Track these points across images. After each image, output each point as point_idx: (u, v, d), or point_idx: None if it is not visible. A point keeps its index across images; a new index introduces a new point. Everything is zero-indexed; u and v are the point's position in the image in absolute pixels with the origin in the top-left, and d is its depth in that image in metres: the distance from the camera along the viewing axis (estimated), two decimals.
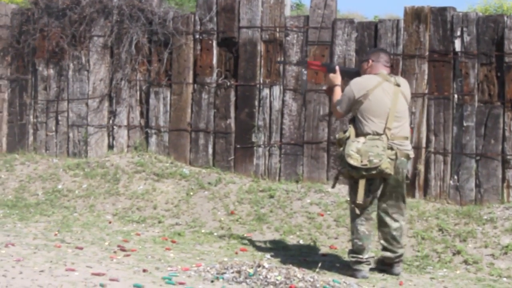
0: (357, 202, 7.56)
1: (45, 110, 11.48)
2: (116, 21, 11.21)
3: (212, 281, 7.07)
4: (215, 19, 10.77)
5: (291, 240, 9.10)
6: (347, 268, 7.77)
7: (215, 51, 10.78)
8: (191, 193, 10.10)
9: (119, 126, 11.22)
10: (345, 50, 10.09)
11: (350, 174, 7.63)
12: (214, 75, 10.70)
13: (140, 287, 6.77)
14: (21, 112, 11.55)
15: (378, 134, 7.59)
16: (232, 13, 10.67)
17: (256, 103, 10.47)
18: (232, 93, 10.57)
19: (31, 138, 11.52)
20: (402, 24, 9.85)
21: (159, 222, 9.70)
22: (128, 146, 11.16)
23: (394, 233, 7.80)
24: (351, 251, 7.80)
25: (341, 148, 7.71)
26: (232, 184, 10.23)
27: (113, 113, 11.25)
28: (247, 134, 10.52)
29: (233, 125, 10.60)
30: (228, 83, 10.61)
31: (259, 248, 8.72)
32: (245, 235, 9.24)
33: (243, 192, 10.03)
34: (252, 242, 8.95)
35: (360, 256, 7.66)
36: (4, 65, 11.66)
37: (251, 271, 7.40)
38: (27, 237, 8.65)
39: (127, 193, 10.30)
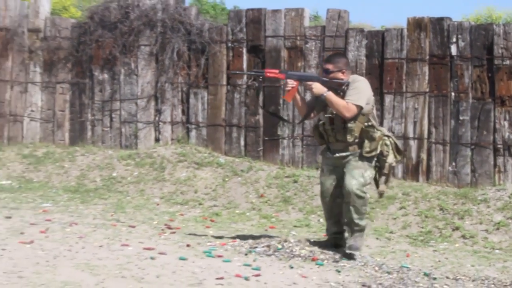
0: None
1: (101, 109, 11.50)
2: (160, 32, 11.21)
3: (245, 254, 7.07)
4: (244, 29, 10.76)
5: (313, 218, 9.09)
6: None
7: (245, 57, 10.77)
8: (227, 179, 10.09)
9: (164, 122, 11.21)
10: (357, 55, 10.06)
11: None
12: (245, 77, 10.69)
13: (184, 260, 6.77)
14: (81, 111, 11.57)
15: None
16: (259, 24, 10.66)
17: (281, 101, 10.44)
18: (260, 93, 10.55)
19: (89, 133, 11.53)
20: (405, 32, 9.81)
21: (200, 204, 9.70)
22: (172, 139, 11.15)
23: None
24: (361, 231, 7.18)
25: (388, 142, 7.07)
26: (262, 171, 10.21)
27: (158, 111, 11.24)
28: (273, 128, 10.49)
29: (261, 120, 10.58)
30: (257, 85, 10.59)
31: (285, 226, 8.73)
32: (273, 214, 9.25)
33: (271, 178, 10.01)
34: (279, 221, 8.96)
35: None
36: (66, 71, 11.68)
37: (279, 245, 7.40)
38: (87, 217, 8.67)
39: (172, 179, 10.30)
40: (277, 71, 7.44)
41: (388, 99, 9.87)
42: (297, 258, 7.07)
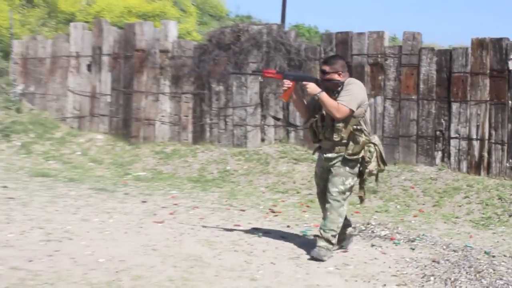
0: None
1: (217, 115, 11.65)
2: (265, 52, 11.28)
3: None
4: (334, 49, 10.74)
5: (391, 205, 9.06)
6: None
7: None
8: None
9: (268, 125, 11.30)
10: (428, 70, 10.00)
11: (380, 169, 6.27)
12: None
13: (285, 238, 6.87)
14: (201, 116, 11.73)
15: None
16: (347, 45, 10.66)
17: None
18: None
19: (208, 134, 11.69)
20: (469, 51, 9.70)
21: (297, 192, 9.74)
22: (274, 139, 11.23)
23: None
24: (328, 243, 6.19)
25: (373, 149, 6.16)
26: None
27: (264, 116, 11.36)
28: None
29: None
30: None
31: (368, 211, 8.73)
32: (358, 202, 9.24)
33: None
34: (363, 207, 8.92)
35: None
36: (189, 84, 11.86)
37: (363, 227, 7.44)
38: (206, 202, 8.79)
39: (274, 172, 10.37)
40: (274, 71, 6.56)
41: (454, 106, 9.79)
42: (377, 238, 7.11)
